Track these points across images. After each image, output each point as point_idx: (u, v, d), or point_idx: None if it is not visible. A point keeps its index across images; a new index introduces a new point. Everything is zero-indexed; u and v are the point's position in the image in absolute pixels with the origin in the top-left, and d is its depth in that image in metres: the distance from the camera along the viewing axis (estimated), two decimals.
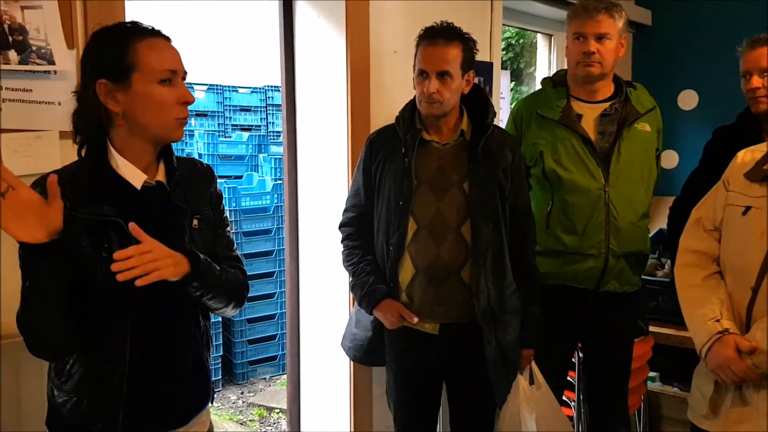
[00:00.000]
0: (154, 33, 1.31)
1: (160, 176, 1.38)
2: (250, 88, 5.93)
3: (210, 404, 1.54)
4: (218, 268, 1.41)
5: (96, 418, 1.33)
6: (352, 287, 2.12)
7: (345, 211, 2.18)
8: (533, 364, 2.17)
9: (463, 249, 1.98)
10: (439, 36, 1.92)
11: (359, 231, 2.14)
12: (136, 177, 1.33)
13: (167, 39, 1.33)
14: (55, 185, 1.18)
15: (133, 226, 1.23)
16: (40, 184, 1.27)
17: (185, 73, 1.34)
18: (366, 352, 2.19)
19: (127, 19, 1.81)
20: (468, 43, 1.96)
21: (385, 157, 2.04)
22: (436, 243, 1.98)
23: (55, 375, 1.37)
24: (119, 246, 1.26)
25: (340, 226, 2.19)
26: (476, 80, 2.05)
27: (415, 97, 2.04)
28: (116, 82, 1.27)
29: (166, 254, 1.27)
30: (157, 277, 1.24)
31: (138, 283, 1.21)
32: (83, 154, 1.33)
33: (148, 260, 1.22)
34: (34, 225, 1.16)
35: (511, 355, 2.04)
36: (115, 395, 1.32)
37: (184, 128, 1.36)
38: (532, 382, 2.16)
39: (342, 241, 2.18)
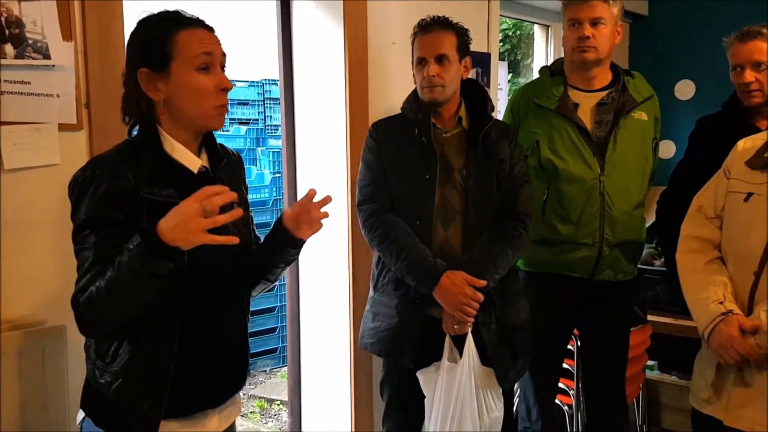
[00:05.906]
0: (196, 23, 1.33)
1: (204, 162, 1.40)
2: (248, 81, 5.92)
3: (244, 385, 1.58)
4: None
5: (142, 399, 1.32)
6: (403, 264, 1.95)
7: (363, 187, 2.07)
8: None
9: (463, 234, 1.99)
10: (433, 25, 2.00)
11: (386, 206, 2.03)
12: (192, 162, 1.36)
13: (209, 29, 1.34)
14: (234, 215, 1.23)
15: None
16: (93, 166, 1.29)
17: (224, 60, 1.36)
18: (392, 343, 2.02)
19: (132, 10, 1.81)
20: (461, 31, 2.02)
21: (396, 143, 2.03)
22: (444, 227, 2.00)
23: (97, 357, 1.34)
24: None
25: (361, 204, 2.06)
26: (474, 71, 2.05)
27: (415, 88, 2.05)
28: (156, 71, 1.29)
29: None
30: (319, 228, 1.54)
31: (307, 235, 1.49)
32: (131, 136, 1.36)
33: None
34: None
35: (516, 338, 2.04)
36: (162, 376, 1.31)
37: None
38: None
39: (367, 220, 2.04)
